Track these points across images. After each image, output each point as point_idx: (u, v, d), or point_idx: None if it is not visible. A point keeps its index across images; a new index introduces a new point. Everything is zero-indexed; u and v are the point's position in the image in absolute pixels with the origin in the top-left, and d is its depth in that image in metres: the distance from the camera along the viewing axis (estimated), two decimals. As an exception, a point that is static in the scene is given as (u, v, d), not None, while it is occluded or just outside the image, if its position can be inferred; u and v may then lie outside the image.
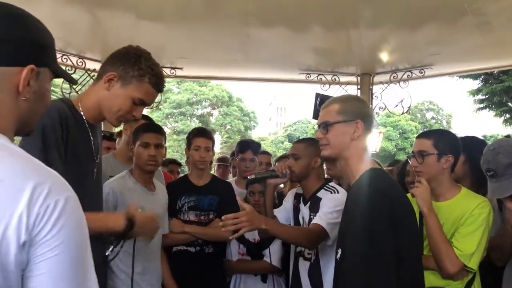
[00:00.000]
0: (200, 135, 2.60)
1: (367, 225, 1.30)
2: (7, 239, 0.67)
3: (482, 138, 2.68)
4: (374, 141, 5.00)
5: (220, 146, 29.88)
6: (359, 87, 4.87)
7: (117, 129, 3.56)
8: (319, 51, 4.39)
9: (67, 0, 3.38)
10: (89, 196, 1.54)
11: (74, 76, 4.60)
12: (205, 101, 31.72)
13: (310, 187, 2.27)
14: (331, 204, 2.09)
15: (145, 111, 1.65)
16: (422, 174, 1.92)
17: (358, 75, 4.86)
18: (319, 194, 2.23)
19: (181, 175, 3.83)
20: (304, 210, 2.28)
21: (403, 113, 4.95)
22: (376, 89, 4.85)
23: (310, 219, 2.20)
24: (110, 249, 1.61)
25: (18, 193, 0.69)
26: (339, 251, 1.44)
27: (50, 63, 0.88)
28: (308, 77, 4.85)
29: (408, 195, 1.79)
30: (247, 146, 3.23)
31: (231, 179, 3.67)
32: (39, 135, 1.34)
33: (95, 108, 1.54)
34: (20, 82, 0.80)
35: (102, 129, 2.42)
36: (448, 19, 3.55)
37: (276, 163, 2.79)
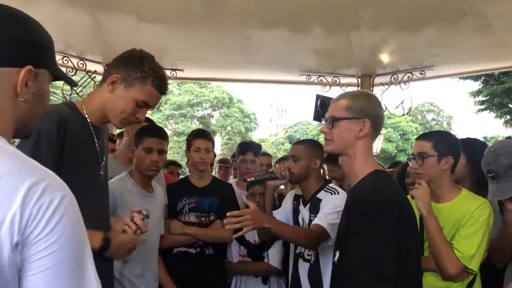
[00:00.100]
0: (200, 136, 2.60)
1: (371, 230, 1.26)
2: (0, 240, 0.67)
3: (483, 139, 2.68)
4: (375, 143, 4.98)
5: (220, 148, 29.89)
6: (359, 88, 4.87)
7: (117, 131, 3.56)
8: (320, 53, 4.39)
9: (68, 2, 3.38)
10: (95, 197, 1.55)
11: (75, 77, 4.61)
12: (206, 103, 31.74)
13: (309, 189, 2.27)
14: (332, 205, 2.09)
15: (146, 113, 1.67)
16: (422, 176, 1.92)
17: (359, 77, 4.85)
18: (319, 195, 2.23)
19: (182, 176, 3.84)
20: (304, 212, 2.28)
21: (403, 115, 4.95)
22: (376, 90, 4.85)
23: (310, 220, 2.20)
24: None
25: (12, 194, 0.69)
26: (337, 254, 1.41)
27: (49, 65, 0.88)
28: (308, 78, 4.85)
29: (408, 196, 1.79)
30: (248, 148, 3.23)
31: (232, 180, 3.67)
32: (33, 137, 1.35)
33: (99, 111, 1.56)
34: (18, 83, 0.80)
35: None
36: (448, 20, 3.55)
37: (277, 165, 2.79)
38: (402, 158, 21.62)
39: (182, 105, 30.34)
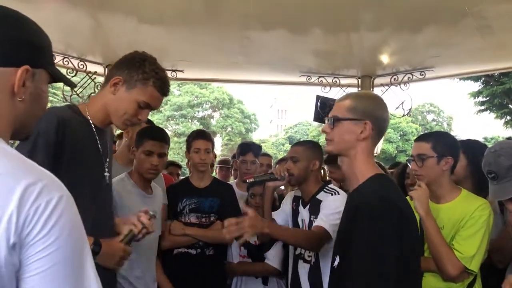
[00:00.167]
0: (200, 137, 2.61)
1: (371, 228, 1.25)
2: None
3: (483, 140, 2.69)
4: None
5: (220, 149, 29.89)
6: (359, 89, 4.87)
7: (117, 132, 3.56)
8: (320, 54, 4.39)
9: (69, 3, 3.39)
10: (99, 198, 1.57)
11: (75, 78, 4.60)
12: (206, 104, 31.76)
13: (309, 190, 2.27)
14: (333, 205, 2.09)
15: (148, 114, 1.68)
16: (422, 178, 1.91)
17: (359, 77, 4.85)
18: (318, 197, 2.23)
19: (182, 177, 3.84)
20: (304, 213, 2.28)
21: (403, 115, 4.95)
22: (376, 91, 4.84)
23: (310, 221, 2.20)
24: None
25: (9, 194, 0.68)
26: (337, 258, 1.38)
27: (46, 65, 0.88)
28: (308, 79, 4.86)
29: (407, 197, 1.79)
30: (248, 148, 3.23)
31: (232, 181, 3.67)
32: (31, 139, 1.35)
33: (101, 112, 1.57)
34: (15, 83, 0.80)
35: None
36: (448, 21, 3.55)
37: (277, 165, 2.79)
38: (403, 158, 21.62)
39: (182, 106, 30.36)
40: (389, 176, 1.57)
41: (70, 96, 4.92)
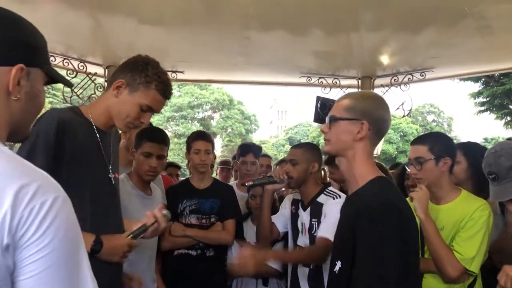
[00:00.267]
0: (200, 138, 2.61)
1: (371, 230, 1.24)
2: None
3: (483, 140, 2.69)
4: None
5: (221, 150, 29.89)
6: (360, 90, 4.87)
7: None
8: (320, 54, 4.39)
9: (69, 4, 3.39)
10: (104, 199, 1.57)
11: (75, 80, 4.59)
12: (206, 104, 31.77)
13: (308, 192, 2.26)
14: (336, 214, 2.06)
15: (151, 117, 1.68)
16: (422, 181, 1.91)
17: (359, 78, 4.85)
18: (319, 199, 2.22)
19: (181, 178, 3.83)
20: (304, 216, 2.26)
21: (404, 116, 4.94)
22: (377, 92, 4.84)
23: (311, 225, 2.19)
24: None
25: (2, 195, 0.67)
26: (338, 264, 1.34)
27: (42, 64, 0.87)
28: (308, 80, 4.85)
29: (407, 199, 1.78)
30: (248, 149, 3.23)
31: (232, 182, 3.67)
32: (30, 140, 1.36)
33: (104, 115, 1.59)
34: (10, 81, 0.80)
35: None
36: (448, 22, 3.55)
37: (277, 167, 2.78)
38: (403, 159, 21.62)
39: (182, 107, 30.37)
40: (389, 178, 1.55)
41: (70, 97, 4.91)
